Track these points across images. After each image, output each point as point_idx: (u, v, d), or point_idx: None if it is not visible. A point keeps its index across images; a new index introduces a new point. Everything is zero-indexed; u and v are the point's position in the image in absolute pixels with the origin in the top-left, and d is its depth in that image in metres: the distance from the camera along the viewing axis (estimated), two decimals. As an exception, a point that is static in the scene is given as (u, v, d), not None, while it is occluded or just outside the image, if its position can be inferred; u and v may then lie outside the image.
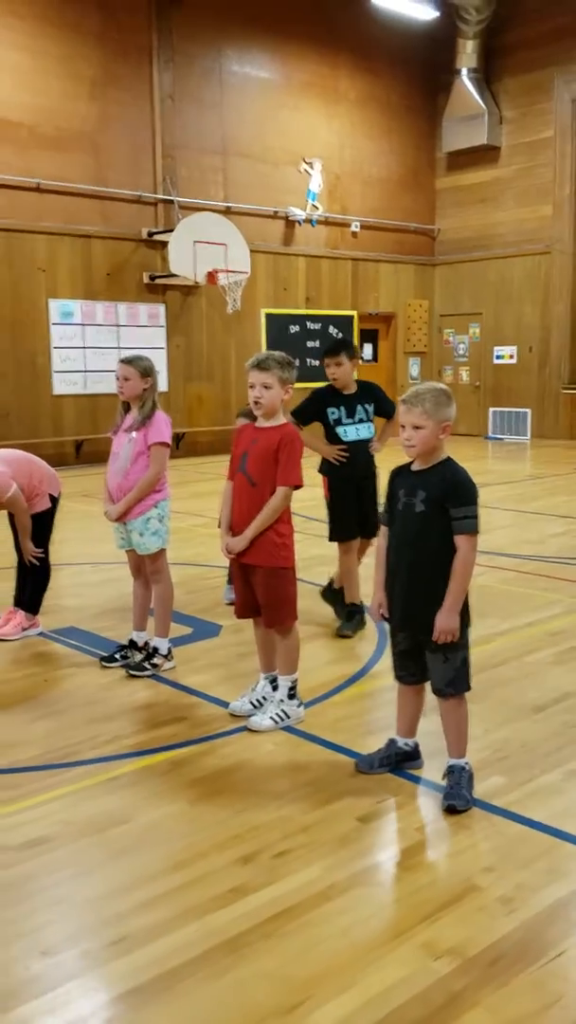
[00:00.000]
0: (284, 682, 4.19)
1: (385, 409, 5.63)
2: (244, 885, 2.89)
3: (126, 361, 4.76)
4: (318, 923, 2.70)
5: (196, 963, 2.52)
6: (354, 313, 17.59)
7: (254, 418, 4.18)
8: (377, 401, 5.59)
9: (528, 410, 17.37)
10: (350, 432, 5.49)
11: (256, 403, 4.05)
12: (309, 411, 5.50)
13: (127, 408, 4.82)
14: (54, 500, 5.49)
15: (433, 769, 3.61)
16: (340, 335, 17.27)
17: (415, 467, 3.45)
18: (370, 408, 5.53)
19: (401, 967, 2.48)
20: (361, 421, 5.52)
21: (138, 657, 4.94)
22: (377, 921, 2.72)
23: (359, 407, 5.50)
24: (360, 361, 17.64)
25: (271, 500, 3.98)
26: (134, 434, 4.71)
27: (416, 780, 3.58)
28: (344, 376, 5.47)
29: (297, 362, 4.41)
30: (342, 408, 5.49)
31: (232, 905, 2.78)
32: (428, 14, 16.24)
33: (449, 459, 3.43)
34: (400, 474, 3.52)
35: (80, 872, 2.99)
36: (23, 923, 2.74)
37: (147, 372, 4.73)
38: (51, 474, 5.53)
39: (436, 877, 2.93)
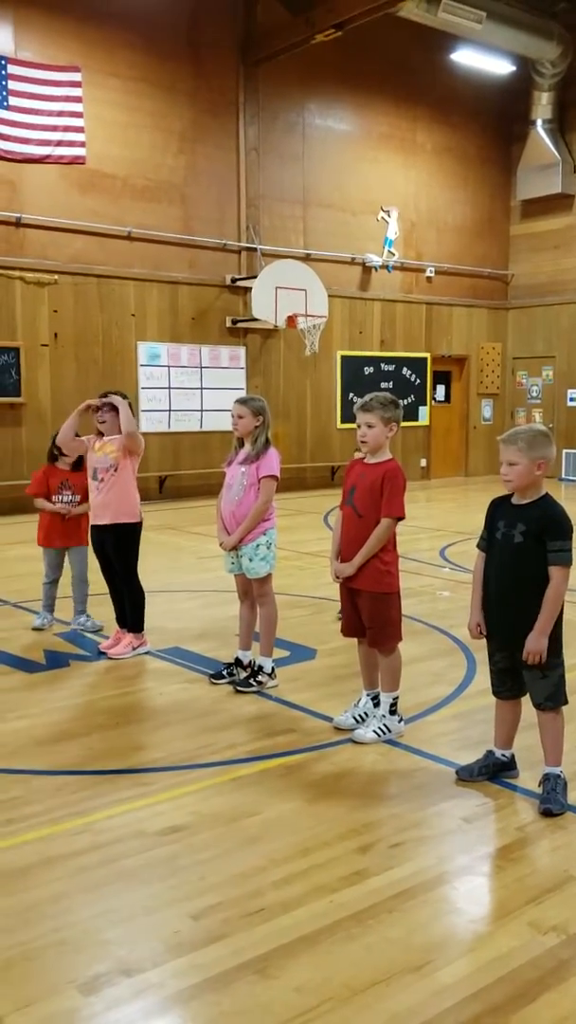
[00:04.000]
0: (386, 698, 4.54)
1: None
2: (365, 870, 3.24)
3: (240, 401, 5.21)
4: (435, 902, 3.03)
5: (330, 930, 2.88)
6: (428, 355, 17.99)
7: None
8: None
9: (601, 452, 17.54)
10: None
11: (363, 441, 4.46)
12: None
13: (240, 443, 5.25)
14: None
15: (529, 779, 3.92)
16: (414, 377, 17.71)
17: (515, 500, 3.80)
18: None
19: (513, 938, 2.81)
20: None
21: (243, 675, 5.33)
22: (488, 902, 3.06)
23: None
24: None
25: (376, 530, 4.35)
26: (247, 467, 5.14)
27: (513, 788, 3.90)
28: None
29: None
30: None
31: (356, 885, 3.13)
32: (505, 68, 16.80)
33: (547, 495, 3.77)
34: (500, 505, 3.86)
35: (218, 854, 3.36)
36: (170, 894, 3.12)
37: (259, 412, 5.17)
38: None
39: (537, 868, 3.25)
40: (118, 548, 5.87)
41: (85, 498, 6.32)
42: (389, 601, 4.45)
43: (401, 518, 4.40)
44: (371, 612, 4.44)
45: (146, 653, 5.98)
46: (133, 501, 5.88)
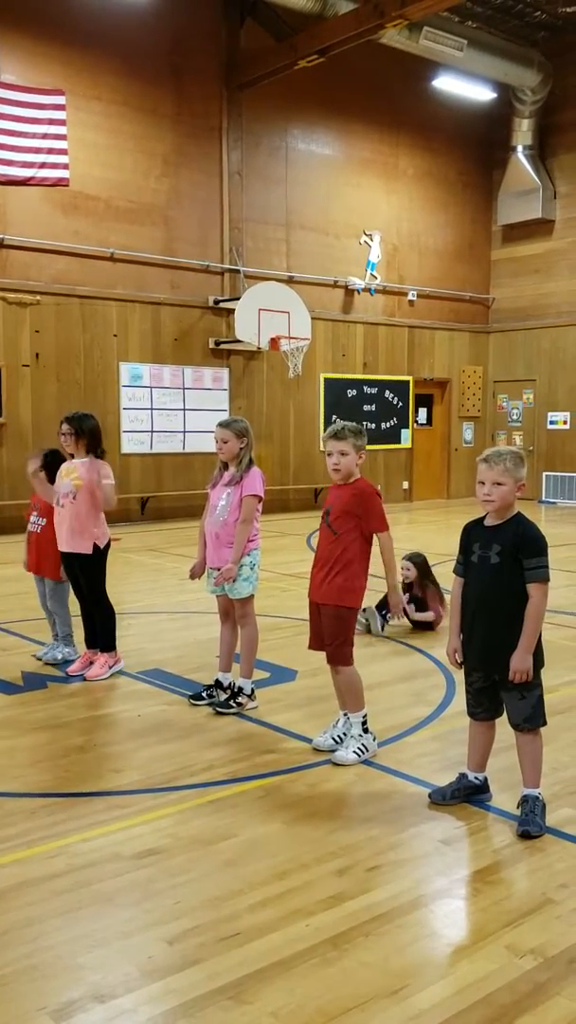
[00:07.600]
0: (356, 718, 4.52)
1: None
2: (342, 893, 3.21)
3: (223, 425, 5.19)
4: (412, 926, 3.01)
5: (305, 954, 2.85)
6: (410, 378, 18.08)
7: None
8: None
9: (581, 475, 17.65)
10: None
11: (335, 469, 4.48)
12: None
13: (225, 466, 5.24)
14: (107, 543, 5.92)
15: (507, 801, 3.91)
16: (396, 400, 17.79)
17: (488, 522, 3.81)
18: None
19: (489, 962, 2.79)
20: None
21: (223, 696, 5.30)
22: (465, 925, 3.04)
23: None
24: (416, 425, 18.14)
25: (384, 554, 4.40)
26: (232, 488, 5.13)
27: (491, 810, 3.88)
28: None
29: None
30: None
31: (333, 909, 3.11)
32: (486, 95, 17.03)
33: (520, 514, 3.79)
34: (473, 529, 3.87)
35: (194, 878, 3.33)
36: (145, 918, 3.08)
37: (242, 433, 5.16)
38: None
39: (515, 891, 3.24)
40: (82, 573, 5.86)
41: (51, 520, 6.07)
42: (348, 618, 4.47)
43: (387, 530, 4.44)
44: (331, 628, 4.45)
45: (119, 672, 5.94)
46: (89, 531, 5.76)
